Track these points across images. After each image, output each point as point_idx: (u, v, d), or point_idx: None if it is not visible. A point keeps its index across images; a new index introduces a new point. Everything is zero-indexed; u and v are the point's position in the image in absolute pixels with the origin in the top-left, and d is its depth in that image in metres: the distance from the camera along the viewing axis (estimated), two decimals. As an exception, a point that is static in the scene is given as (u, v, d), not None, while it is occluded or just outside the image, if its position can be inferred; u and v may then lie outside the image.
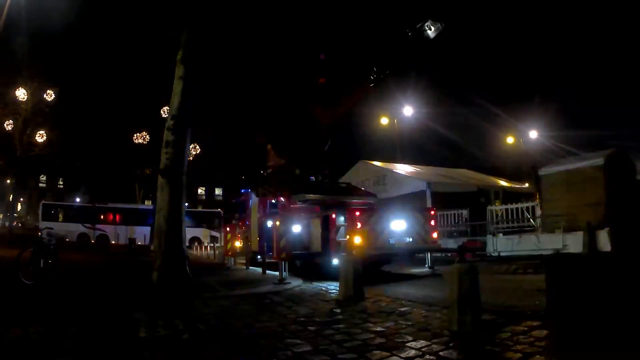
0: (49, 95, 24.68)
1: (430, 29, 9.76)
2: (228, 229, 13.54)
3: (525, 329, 3.99)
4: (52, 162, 34.21)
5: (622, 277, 3.51)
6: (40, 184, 64.31)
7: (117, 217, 28.08)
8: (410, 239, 9.33)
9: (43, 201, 27.88)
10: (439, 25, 9.72)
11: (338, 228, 8.93)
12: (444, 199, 16.64)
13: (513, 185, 21.26)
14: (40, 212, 26.66)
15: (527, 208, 13.81)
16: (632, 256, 3.81)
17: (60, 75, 25.65)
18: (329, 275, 8.32)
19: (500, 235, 13.57)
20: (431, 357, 3.37)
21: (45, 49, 24.15)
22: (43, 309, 5.50)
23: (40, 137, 24.74)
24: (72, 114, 29.29)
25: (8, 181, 26.24)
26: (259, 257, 11.06)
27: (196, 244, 25.00)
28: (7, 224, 26.34)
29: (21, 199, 56.64)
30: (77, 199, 64.89)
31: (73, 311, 5.31)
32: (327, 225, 9.08)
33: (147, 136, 28.95)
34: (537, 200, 13.58)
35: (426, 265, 10.05)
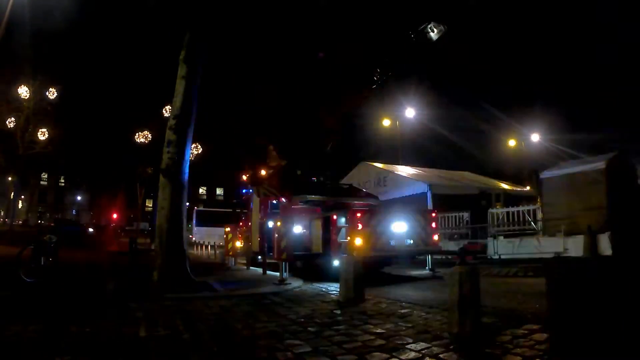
0: (51, 94, 24.77)
1: (433, 31, 9.76)
2: (228, 229, 13.54)
3: (526, 332, 3.99)
4: (54, 160, 34.31)
5: (623, 281, 3.50)
6: (42, 182, 64.52)
7: None
8: (411, 241, 9.31)
9: (196, 208, 31.07)
10: (442, 27, 9.72)
11: (339, 229, 8.92)
12: (445, 201, 16.60)
13: (514, 188, 21.22)
14: (194, 217, 29.14)
15: (528, 211, 13.78)
16: (633, 260, 3.80)
17: (62, 74, 25.80)
18: (329, 276, 8.31)
19: (501, 238, 13.54)
20: (431, 360, 3.36)
21: (48, 47, 24.26)
22: (43, 307, 5.51)
23: (42, 135, 24.82)
24: (74, 112, 29.40)
25: (9, 179, 26.27)
26: (259, 257, 11.05)
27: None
28: (7, 221, 26.32)
29: (22, 197, 56.71)
30: (78, 197, 65.12)
31: (73, 309, 5.31)
32: (328, 227, 9.08)
33: (149, 135, 29.05)
34: (538, 203, 13.56)
35: (427, 268, 10.02)
